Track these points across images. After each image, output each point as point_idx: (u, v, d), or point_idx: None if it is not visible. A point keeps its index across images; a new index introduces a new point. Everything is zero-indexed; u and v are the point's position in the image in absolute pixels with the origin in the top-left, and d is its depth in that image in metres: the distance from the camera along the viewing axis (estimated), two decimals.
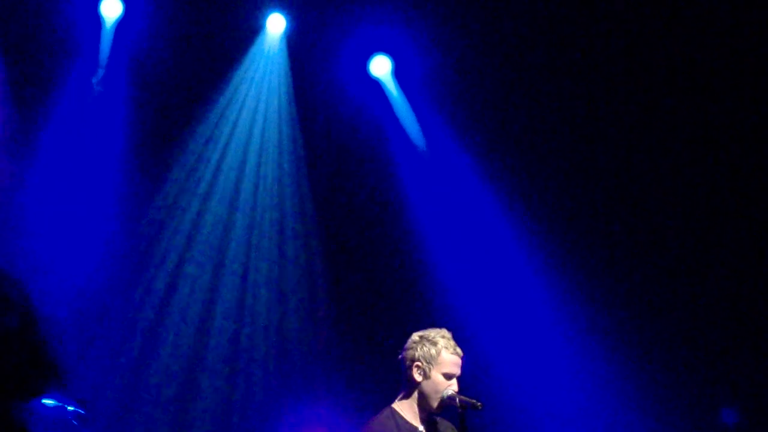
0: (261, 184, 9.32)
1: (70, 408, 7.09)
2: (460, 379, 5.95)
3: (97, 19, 8.76)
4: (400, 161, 9.52)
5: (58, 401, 7.05)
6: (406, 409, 5.95)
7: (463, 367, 5.98)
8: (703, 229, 9.07)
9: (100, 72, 8.78)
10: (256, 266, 9.25)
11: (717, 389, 8.86)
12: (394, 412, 5.95)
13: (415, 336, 6.00)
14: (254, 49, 9.29)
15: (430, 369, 5.87)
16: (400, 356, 6.01)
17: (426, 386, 5.89)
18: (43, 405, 6.94)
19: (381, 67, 9.44)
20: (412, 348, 5.94)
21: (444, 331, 6.01)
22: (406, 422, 5.92)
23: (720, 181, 9.08)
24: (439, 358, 5.88)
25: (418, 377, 5.89)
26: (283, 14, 9.28)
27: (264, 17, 9.26)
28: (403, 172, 9.50)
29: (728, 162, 9.07)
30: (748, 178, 9.04)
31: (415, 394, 5.93)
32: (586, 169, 9.22)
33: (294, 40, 9.31)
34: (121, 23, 8.82)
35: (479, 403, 5.78)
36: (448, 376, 5.88)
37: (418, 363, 5.89)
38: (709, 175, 9.07)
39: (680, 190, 9.12)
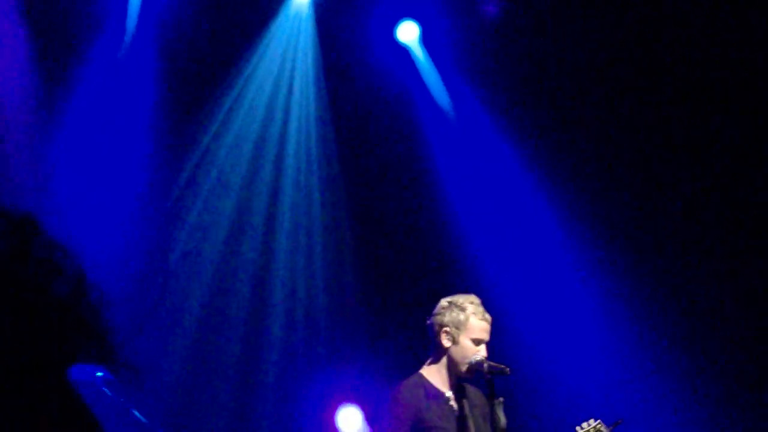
0: (287, 149, 9.31)
1: (99, 374, 7.12)
2: (489, 345, 5.94)
3: None
4: (428, 128, 9.47)
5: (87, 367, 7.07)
6: (435, 374, 5.96)
7: (492, 333, 5.98)
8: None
9: (127, 40, 8.78)
10: (283, 233, 9.25)
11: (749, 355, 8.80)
12: (422, 378, 5.96)
13: (444, 302, 5.99)
14: (281, 15, 9.25)
15: (458, 334, 5.87)
16: (428, 322, 6.01)
17: (454, 352, 5.88)
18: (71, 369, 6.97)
19: (408, 33, 9.39)
20: (440, 313, 5.94)
21: (473, 297, 6.00)
22: (434, 388, 5.93)
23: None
24: (467, 324, 5.87)
25: (446, 343, 5.89)
26: None
27: None
28: (431, 139, 9.46)
29: None
30: None
31: (444, 360, 5.94)
32: (622, 132, 9.15)
33: (321, 6, 9.27)
34: None
35: (507, 369, 5.78)
36: (476, 342, 5.87)
37: (447, 328, 5.88)
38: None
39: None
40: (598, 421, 6.21)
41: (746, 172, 8.93)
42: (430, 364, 5.99)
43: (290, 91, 9.33)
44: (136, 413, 7.26)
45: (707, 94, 8.91)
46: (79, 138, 8.54)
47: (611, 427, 6.20)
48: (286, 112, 9.31)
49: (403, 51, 9.44)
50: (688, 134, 9.03)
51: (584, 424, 6.18)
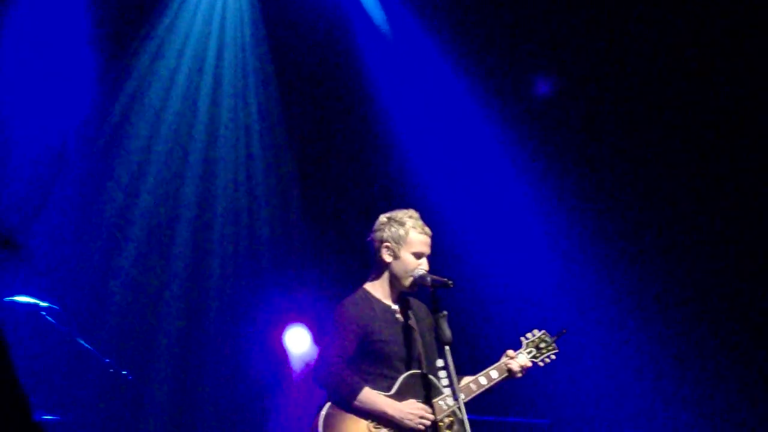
0: (225, 76, 9.23)
1: (44, 304, 7.09)
2: (430, 259, 5.97)
3: None
4: (366, 48, 9.42)
5: (31, 298, 7.05)
6: (378, 289, 5.99)
7: (433, 247, 6.01)
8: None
9: None
10: (222, 163, 9.20)
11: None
12: (367, 293, 5.99)
13: (383, 217, 6.01)
14: None
15: (399, 249, 5.90)
16: (368, 238, 6.03)
17: (396, 266, 5.92)
18: (15, 302, 6.95)
19: None
20: (380, 229, 5.96)
21: (411, 212, 6.03)
22: (380, 302, 5.96)
23: None
24: (407, 238, 5.90)
25: (387, 258, 5.92)
26: None
27: None
28: (369, 58, 9.41)
29: None
30: None
31: (386, 275, 5.97)
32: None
33: None
34: None
35: (450, 281, 5.80)
36: (417, 255, 5.91)
37: (387, 243, 5.91)
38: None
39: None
40: (543, 331, 6.27)
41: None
42: (373, 279, 6.02)
43: (224, 16, 9.23)
44: (82, 341, 7.26)
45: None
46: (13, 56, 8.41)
47: (555, 337, 6.27)
48: (221, 37, 9.22)
49: None
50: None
51: (528, 335, 6.24)
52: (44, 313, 7.10)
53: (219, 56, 9.22)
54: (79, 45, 8.62)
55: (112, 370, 7.34)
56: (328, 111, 9.38)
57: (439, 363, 5.86)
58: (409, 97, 9.32)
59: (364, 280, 6.07)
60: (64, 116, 8.56)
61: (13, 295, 6.97)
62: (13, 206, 8.05)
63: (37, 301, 7.07)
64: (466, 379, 5.92)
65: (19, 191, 8.21)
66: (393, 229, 5.92)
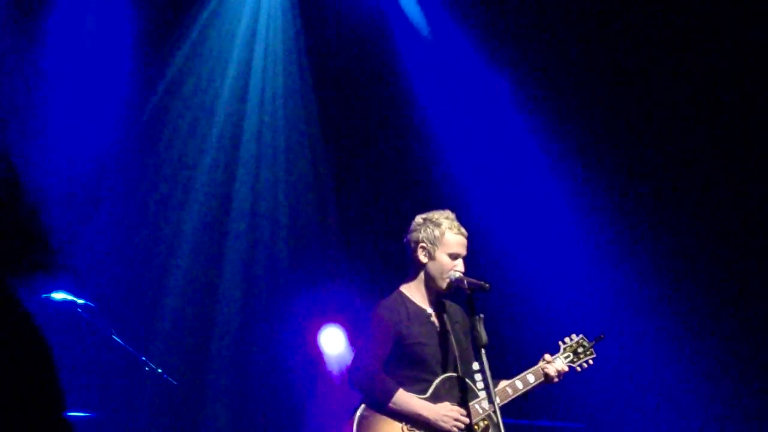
0: (267, 75, 9.25)
1: (81, 301, 7.11)
2: (466, 260, 5.94)
3: None
4: (403, 47, 9.40)
5: (67, 294, 7.07)
6: (414, 291, 5.96)
7: (470, 248, 5.97)
8: None
9: None
10: (263, 161, 9.20)
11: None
12: (402, 295, 5.96)
13: (419, 218, 5.99)
14: None
15: (435, 250, 5.87)
16: (404, 239, 6.00)
17: (432, 267, 5.89)
18: (51, 299, 6.97)
19: None
20: (416, 230, 5.94)
21: (448, 212, 6.00)
22: (415, 305, 5.93)
23: None
24: (443, 239, 5.87)
25: (423, 259, 5.89)
26: None
27: None
28: (406, 56, 9.38)
29: None
30: None
31: (422, 276, 5.94)
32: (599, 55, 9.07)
33: None
34: None
35: (487, 285, 5.77)
36: (453, 257, 5.87)
37: (423, 244, 5.88)
38: None
39: None
40: (581, 336, 6.23)
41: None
42: (409, 281, 5.99)
43: (269, 18, 9.26)
44: (117, 339, 7.28)
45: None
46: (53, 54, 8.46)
47: (593, 342, 6.23)
48: (262, 35, 9.24)
49: None
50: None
51: (566, 339, 6.21)
52: (80, 310, 7.11)
53: (264, 55, 9.24)
54: (121, 45, 8.67)
55: (147, 368, 7.35)
56: (365, 109, 9.36)
57: (475, 366, 5.83)
58: (446, 95, 9.29)
59: (400, 282, 6.04)
60: (109, 113, 8.61)
61: (49, 293, 6.99)
62: (60, 204, 8.10)
63: (73, 299, 7.08)
64: (503, 383, 5.88)
65: (65, 191, 8.26)
66: (429, 230, 5.89)
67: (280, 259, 9.11)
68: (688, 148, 8.96)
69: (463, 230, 5.95)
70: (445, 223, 5.90)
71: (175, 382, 7.53)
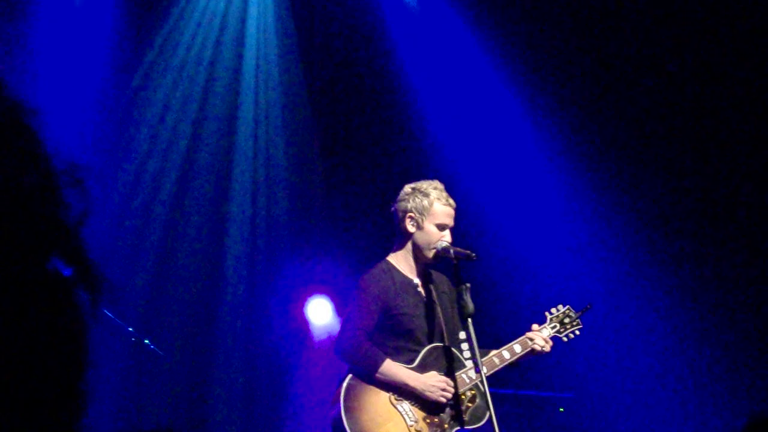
0: (246, 44, 9.21)
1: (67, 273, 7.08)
2: (454, 231, 5.94)
3: None
4: (391, 19, 9.36)
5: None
6: (401, 261, 5.95)
7: (457, 218, 5.97)
8: None
9: None
10: (243, 133, 9.17)
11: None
12: (389, 265, 5.95)
13: (407, 188, 5.97)
14: None
15: (422, 220, 5.86)
16: (392, 208, 5.99)
17: (419, 237, 5.88)
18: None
19: None
20: (404, 200, 5.92)
21: (436, 183, 5.98)
22: (402, 275, 5.92)
23: None
24: (431, 209, 5.86)
25: (411, 228, 5.88)
26: None
27: None
28: (395, 29, 9.34)
29: None
30: None
31: (409, 246, 5.93)
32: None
33: None
34: None
35: (474, 254, 5.77)
36: (441, 227, 5.87)
37: (411, 214, 5.87)
38: None
39: None
40: (567, 306, 6.23)
41: None
42: (396, 251, 5.99)
43: None
44: (106, 311, 7.26)
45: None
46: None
47: (580, 313, 6.23)
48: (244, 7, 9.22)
49: None
50: None
51: (553, 309, 6.21)
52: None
53: (242, 22, 9.19)
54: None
55: (134, 339, 7.35)
56: (351, 80, 9.33)
57: (462, 336, 5.83)
58: (435, 66, 9.26)
59: (387, 251, 6.04)
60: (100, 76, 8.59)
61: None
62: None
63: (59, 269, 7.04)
64: (490, 353, 5.88)
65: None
66: (417, 200, 5.88)
67: (265, 230, 9.09)
68: (674, 118, 8.94)
69: (451, 201, 5.94)
70: (434, 194, 5.89)
71: (161, 353, 7.53)
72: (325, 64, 9.34)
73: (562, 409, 8.09)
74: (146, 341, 7.37)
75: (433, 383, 5.68)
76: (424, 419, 5.69)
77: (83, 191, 1.53)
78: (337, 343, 5.82)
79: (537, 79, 9.12)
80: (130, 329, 7.34)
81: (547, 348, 5.99)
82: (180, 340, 8.73)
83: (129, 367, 8.35)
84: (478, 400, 5.78)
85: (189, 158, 9.04)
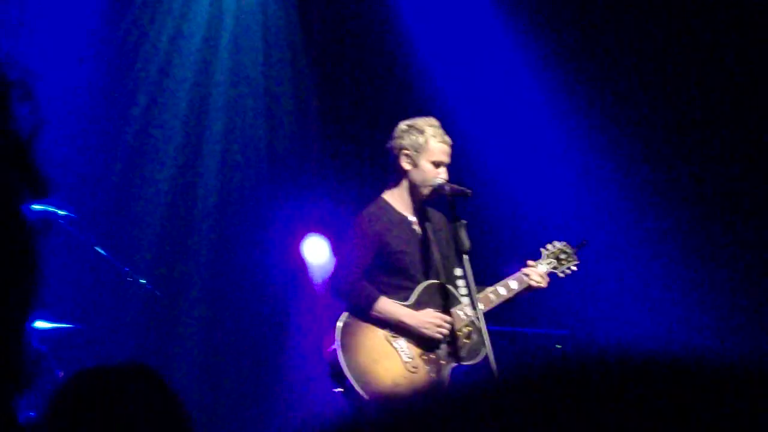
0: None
1: (62, 213, 7.05)
2: (449, 168, 5.91)
3: None
4: None
5: (48, 206, 7.01)
6: (397, 199, 5.93)
7: (452, 155, 5.94)
8: None
9: None
10: (242, 74, 9.12)
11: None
12: (385, 203, 5.93)
13: (403, 125, 5.93)
14: None
15: (418, 157, 5.83)
16: (387, 145, 5.96)
17: (415, 175, 5.85)
18: (31, 210, 6.90)
19: None
20: (400, 137, 5.88)
21: (432, 120, 5.94)
22: (397, 212, 5.91)
23: None
24: (427, 146, 5.83)
25: (406, 166, 5.85)
26: None
27: None
28: None
29: None
30: None
31: (405, 183, 5.91)
32: None
33: None
34: None
35: (469, 191, 5.77)
36: (437, 164, 5.84)
37: (407, 151, 5.84)
38: None
39: None
40: (564, 242, 6.22)
41: None
42: (391, 188, 5.96)
43: None
44: (101, 250, 7.24)
45: None
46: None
47: (577, 248, 6.22)
48: None
49: None
50: None
51: (548, 246, 6.19)
52: (62, 221, 7.06)
53: None
54: None
55: (130, 279, 7.33)
56: (347, 20, 9.24)
57: (458, 272, 5.83)
58: (428, 5, 9.16)
59: (383, 189, 6.01)
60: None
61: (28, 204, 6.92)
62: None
63: (54, 209, 7.01)
64: (486, 290, 5.88)
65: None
66: (413, 137, 5.84)
67: (262, 169, 9.07)
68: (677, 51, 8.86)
69: (447, 138, 5.90)
70: (430, 131, 5.85)
71: (159, 293, 7.53)
72: (321, 5, 9.25)
73: (559, 346, 8.10)
74: (142, 281, 7.35)
75: (429, 320, 5.68)
76: (420, 356, 5.70)
77: (34, 103, 1.51)
78: (332, 281, 5.83)
79: (529, 14, 9.02)
80: (127, 269, 7.32)
81: (544, 284, 5.99)
82: (177, 277, 8.72)
83: (126, 306, 8.36)
84: (474, 337, 5.79)
85: (196, 99, 8.99)
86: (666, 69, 8.80)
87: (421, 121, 5.91)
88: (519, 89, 9.01)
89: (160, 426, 2.49)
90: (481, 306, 5.66)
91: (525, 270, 5.98)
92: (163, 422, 2.49)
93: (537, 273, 5.98)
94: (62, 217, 7.03)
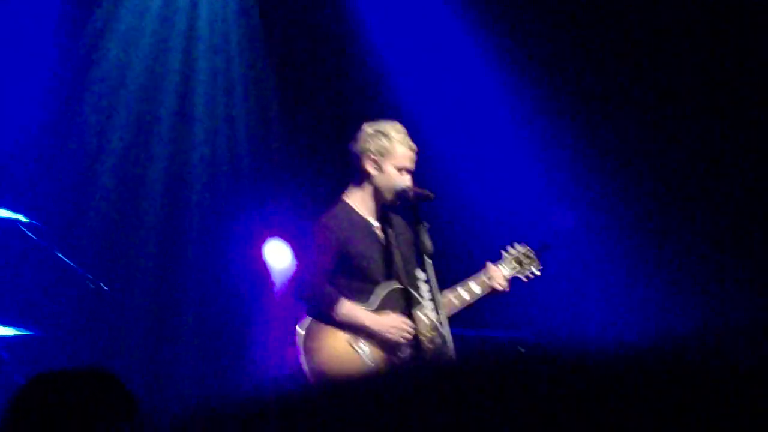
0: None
1: (25, 220, 7.01)
2: (414, 174, 5.88)
3: None
4: None
5: (10, 212, 6.97)
6: (358, 202, 5.90)
7: (417, 162, 5.91)
8: None
9: None
10: (201, 75, 9.07)
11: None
12: (347, 206, 5.90)
13: (369, 128, 5.87)
14: None
15: (383, 162, 5.79)
16: (350, 147, 5.91)
17: (379, 179, 5.82)
18: None
19: None
20: (365, 140, 5.83)
21: (398, 125, 5.90)
22: (359, 216, 5.89)
23: None
24: (393, 152, 5.79)
25: (371, 170, 5.82)
26: None
27: None
28: None
29: None
30: None
31: (368, 187, 5.87)
32: None
33: None
34: None
35: (432, 194, 5.76)
36: (401, 170, 5.81)
37: (372, 155, 5.80)
38: None
39: None
40: (525, 245, 6.23)
41: None
42: (353, 191, 5.92)
43: None
44: (62, 256, 7.20)
45: None
46: None
47: (539, 251, 6.23)
48: None
49: None
50: None
51: (510, 249, 6.20)
52: (24, 228, 7.01)
53: None
54: None
55: (92, 286, 7.30)
56: (306, 21, 9.20)
57: (420, 276, 5.81)
58: (390, 5, 9.14)
59: (344, 191, 5.98)
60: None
61: None
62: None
63: (19, 216, 6.97)
64: (448, 294, 5.87)
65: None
66: (379, 141, 5.79)
67: (223, 173, 9.02)
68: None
69: (412, 144, 5.87)
70: (396, 136, 5.81)
71: (109, 291, 7.44)
72: (282, 10, 9.22)
73: (522, 349, 8.10)
74: (101, 284, 7.31)
75: (391, 324, 5.67)
76: (382, 359, 5.69)
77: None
78: (294, 285, 5.81)
79: (490, 14, 9.00)
80: (89, 276, 7.28)
81: (507, 288, 6.00)
82: (137, 285, 8.67)
83: (85, 312, 8.31)
84: (437, 340, 5.78)
85: (149, 102, 8.92)
86: (621, 69, 8.81)
87: (388, 126, 5.87)
88: (479, 91, 9.00)
89: (117, 428, 2.52)
90: (444, 310, 5.65)
91: (488, 273, 5.98)
92: (121, 424, 2.51)
93: (501, 277, 5.98)
94: (24, 224, 7.00)
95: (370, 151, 5.81)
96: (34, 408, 2.51)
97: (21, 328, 6.81)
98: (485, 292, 5.94)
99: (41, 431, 2.49)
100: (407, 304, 5.77)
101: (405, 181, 5.81)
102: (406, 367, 5.62)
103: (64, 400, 2.52)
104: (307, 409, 1.14)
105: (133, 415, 2.56)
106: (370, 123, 5.91)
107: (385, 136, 5.82)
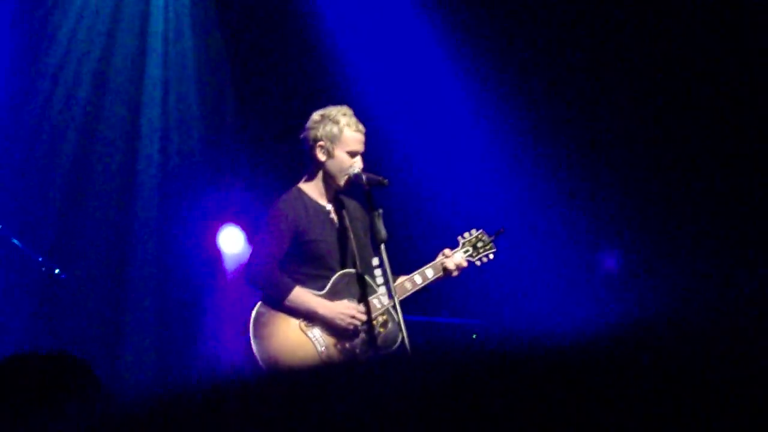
0: None
1: None
2: (365, 156, 5.91)
3: None
4: None
5: None
6: (313, 189, 5.92)
7: (367, 144, 5.94)
8: None
9: None
10: (152, 59, 9.03)
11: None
12: (301, 192, 5.92)
13: (316, 115, 5.90)
14: None
15: (333, 148, 5.81)
16: (301, 136, 5.93)
17: (331, 165, 5.84)
18: None
19: None
20: (313, 127, 5.85)
21: (345, 108, 5.92)
22: (313, 201, 5.90)
23: None
24: (342, 136, 5.81)
25: (322, 157, 5.83)
26: None
27: None
28: None
29: None
30: None
31: (320, 174, 5.89)
32: None
33: None
34: None
35: (385, 180, 5.78)
36: (352, 154, 5.83)
37: (321, 142, 5.82)
38: None
39: None
40: (480, 230, 6.25)
41: None
42: (308, 179, 5.95)
43: None
44: (16, 241, 7.20)
45: None
46: None
47: (493, 236, 6.25)
48: None
49: None
50: None
51: (466, 234, 6.22)
52: None
53: None
54: None
55: (44, 269, 7.29)
56: (261, 10, 9.17)
57: (374, 262, 5.83)
58: None
59: (298, 180, 6.00)
60: None
61: None
62: None
63: None
64: (401, 278, 5.90)
65: None
66: (327, 128, 5.81)
67: (177, 159, 9.00)
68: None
69: (361, 126, 5.89)
70: (343, 120, 5.83)
71: (65, 277, 7.43)
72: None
73: (475, 336, 8.14)
74: (56, 270, 7.29)
75: (342, 310, 5.69)
76: (334, 345, 5.71)
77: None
78: (247, 270, 5.82)
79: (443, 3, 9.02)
80: (40, 259, 7.28)
81: (458, 272, 6.02)
82: (91, 270, 8.64)
83: (39, 297, 8.28)
84: (390, 326, 5.81)
85: (98, 90, 8.87)
86: (576, 64, 8.85)
87: (335, 111, 5.88)
88: (433, 77, 9.02)
89: (86, 409, 2.55)
90: (397, 295, 5.67)
91: (441, 258, 6.02)
92: (88, 405, 2.55)
93: (453, 261, 6.01)
94: None
95: (320, 138, 5.82)
96: (6, 389, 2.56)
97: None
98: (437, 275, 5.97)
99: (13, 411, 2.54)
100: (361, 290, 5.80)
101: (356, 164, 5.82)
102: (358, 354, 5.66)
103: (35, 382, 2.59)
104: (257, 397, 1.15)
105: (99, 396, 2.63)
106: (319, 110, 5.93)
107: (333, 121, 5.82)
